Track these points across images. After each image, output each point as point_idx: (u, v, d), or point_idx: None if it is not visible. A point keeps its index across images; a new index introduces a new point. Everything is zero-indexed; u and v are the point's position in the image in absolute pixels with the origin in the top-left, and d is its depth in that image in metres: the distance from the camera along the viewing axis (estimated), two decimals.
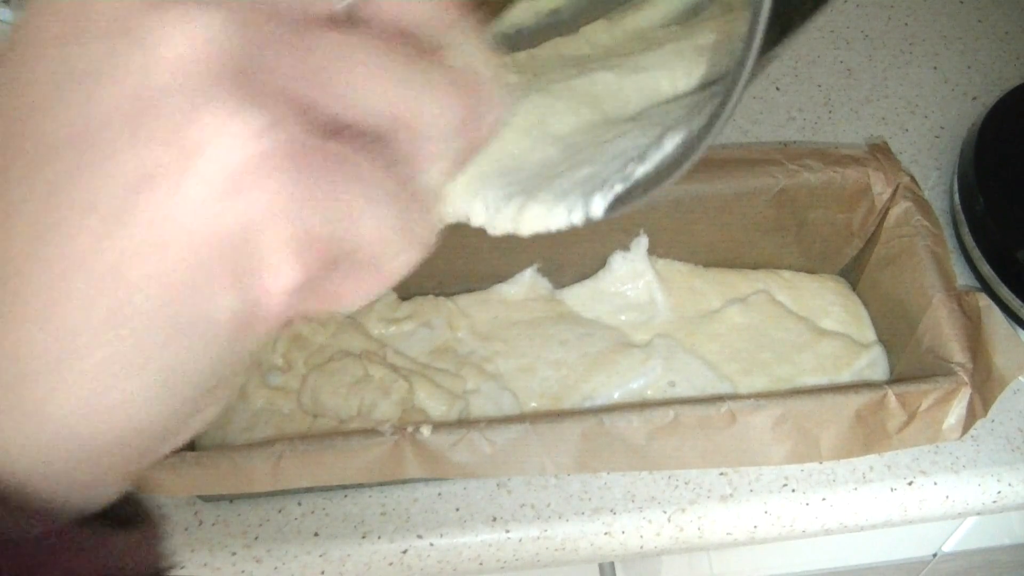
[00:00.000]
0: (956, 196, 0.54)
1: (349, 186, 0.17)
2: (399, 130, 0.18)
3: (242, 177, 0.16)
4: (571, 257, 0.55)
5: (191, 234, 0.16)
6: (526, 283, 0.56)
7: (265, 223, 0.16)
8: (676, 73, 0.33)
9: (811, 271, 0.57)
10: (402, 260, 0.18)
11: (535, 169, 0.31)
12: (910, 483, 0.46)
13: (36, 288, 0.16)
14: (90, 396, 0.16)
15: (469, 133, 0.19)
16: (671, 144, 0.27)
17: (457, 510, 0.45)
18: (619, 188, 0.28)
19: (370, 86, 0.17)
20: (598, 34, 0.37)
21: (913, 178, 0.53)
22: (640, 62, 0.34)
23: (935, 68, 0.65)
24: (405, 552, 0.44)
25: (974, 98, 0.63)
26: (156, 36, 0.16)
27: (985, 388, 0.46)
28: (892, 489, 0.46)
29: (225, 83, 0.16)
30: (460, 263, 0.54)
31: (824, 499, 0.46)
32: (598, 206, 0.28)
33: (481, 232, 0.57)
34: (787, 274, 0.56)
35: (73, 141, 0.16)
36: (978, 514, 0.49)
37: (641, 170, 0.28)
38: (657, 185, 0.27)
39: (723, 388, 0.51)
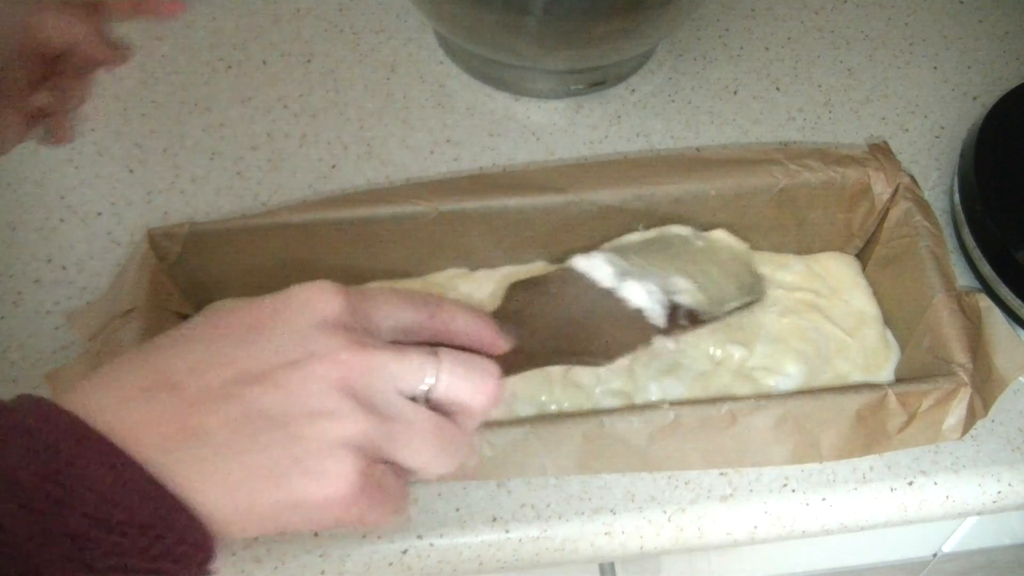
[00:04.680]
0: (956, 196, 0.54)
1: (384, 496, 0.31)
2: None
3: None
4: (573, 253, 0.55)
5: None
6: None
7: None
8: None
9: None
10: None
11: None
12: (910, 483, 0.46)
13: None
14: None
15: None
16: None
17: (457, 510, 0.45)
18: None
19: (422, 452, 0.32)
20: None
21: (913, 178, 0.53)
22: None
23: (935, 68, 0.65)
24: (405, 552, 0.44)
25: (974, 98, 0.63)
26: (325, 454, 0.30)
27: (985, 388, 0.47)
28: (892, 489, 0.46)
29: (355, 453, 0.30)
30: (462, 258, 0.54)
31: (824, 499, 0.46)
32: None
33: (482, 228, 0.57)
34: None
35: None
36: (978, 514, 0.49)
37: None
38: None
39: None
